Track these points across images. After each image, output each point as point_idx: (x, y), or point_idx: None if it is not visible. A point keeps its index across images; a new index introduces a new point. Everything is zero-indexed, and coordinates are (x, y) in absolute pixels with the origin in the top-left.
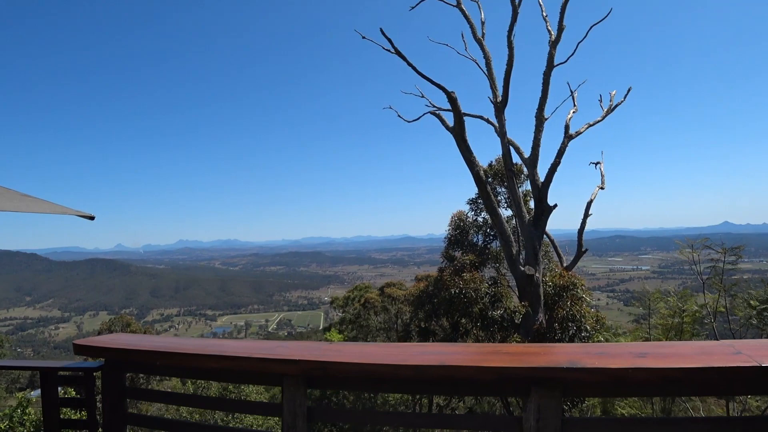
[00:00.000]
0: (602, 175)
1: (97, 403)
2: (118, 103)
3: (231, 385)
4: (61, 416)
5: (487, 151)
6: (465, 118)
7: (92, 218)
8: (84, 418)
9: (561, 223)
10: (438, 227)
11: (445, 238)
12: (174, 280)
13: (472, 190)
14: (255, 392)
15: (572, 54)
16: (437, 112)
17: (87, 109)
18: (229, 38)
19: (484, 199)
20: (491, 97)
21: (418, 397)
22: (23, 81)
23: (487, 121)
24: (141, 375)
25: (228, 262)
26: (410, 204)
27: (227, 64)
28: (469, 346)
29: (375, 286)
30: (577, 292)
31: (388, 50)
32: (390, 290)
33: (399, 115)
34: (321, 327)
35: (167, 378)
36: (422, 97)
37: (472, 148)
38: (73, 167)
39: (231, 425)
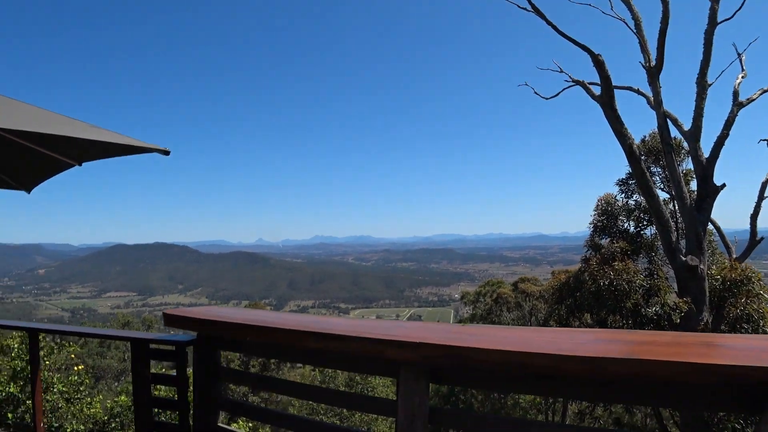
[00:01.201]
0: None
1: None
2: (259, 102)
3: (358, 375)
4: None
5: (636, 129)
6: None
7: (167, 153)
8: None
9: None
10: (572, 225)
11: (590, 224)
12: (310, 274)
13: (614, 178)
14: (381, 385)
15: (739, 8)
16: (582, 81)
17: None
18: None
19: (638, 177)
20: (643, 61)
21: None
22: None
23: (638, 92)
24: (272, 360)
25: (361, 257)
26: (543, 200)
27: (355, 61)
28: (663, 334)
29: (507, 283)
30: (753, 287)
31: (524, 9)
32: (524, 285)
33: (536, 92)
34: (451, 322)
35: (299, 365)
36: (561, 72)
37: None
38: (221, 166)
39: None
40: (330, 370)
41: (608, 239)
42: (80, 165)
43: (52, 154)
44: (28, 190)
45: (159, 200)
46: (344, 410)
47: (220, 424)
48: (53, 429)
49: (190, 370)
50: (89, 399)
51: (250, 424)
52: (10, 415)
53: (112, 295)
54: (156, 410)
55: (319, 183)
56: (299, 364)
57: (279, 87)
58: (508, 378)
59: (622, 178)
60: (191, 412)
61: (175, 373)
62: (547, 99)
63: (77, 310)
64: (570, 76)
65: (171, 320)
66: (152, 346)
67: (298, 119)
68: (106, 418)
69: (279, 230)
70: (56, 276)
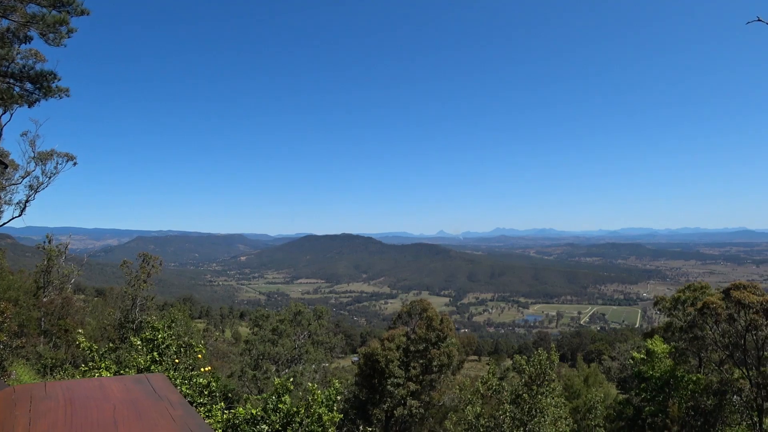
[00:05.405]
0: None
1: None
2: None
3: None
4: None
5: None
6: None
7: None
8: None
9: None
10: None
11: None
12: (490, 266)
13: None
14: None
15: None
16: None
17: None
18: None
19: None
20: None
21: None
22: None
23: None
24: None
25: (543, 251)
26: (749, 190)
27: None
28: None
29: (713, 287)
30: None
31: None
32: (739, 294)
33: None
34: (637, 324)
35: None
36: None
37: None
38: (404, 161)
39: None
40: None
41: None
42: None
43: None
44: None
45: (347, 195)
46: None
47: None
48: None
49: None
50: (209, 406)
51: None
52: None
53: (303, 281)
54: None
55: (501, 175)
56: None
57: (466, 80)
58: None
59: None
60: None
61: None
62: None
63: (272, 294)
64: None
65: None
66: None
67: (480, 114)
68: (221, 430)
69: (460, 223)
70: (255, 263)
